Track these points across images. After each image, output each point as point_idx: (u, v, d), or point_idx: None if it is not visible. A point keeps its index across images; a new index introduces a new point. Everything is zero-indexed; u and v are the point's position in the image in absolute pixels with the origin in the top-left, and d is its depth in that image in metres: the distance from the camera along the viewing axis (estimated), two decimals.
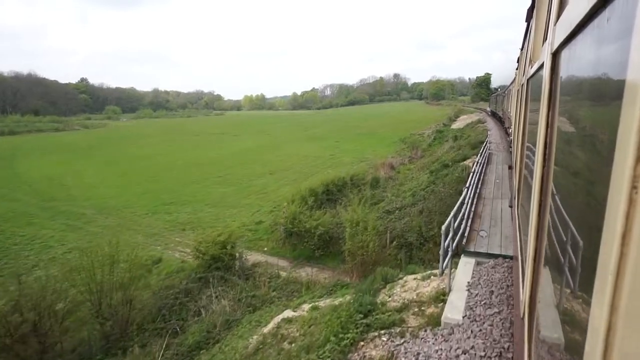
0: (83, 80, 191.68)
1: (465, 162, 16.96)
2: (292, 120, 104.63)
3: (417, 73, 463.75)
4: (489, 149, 16.80)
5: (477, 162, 11.44)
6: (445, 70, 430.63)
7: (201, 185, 25.25)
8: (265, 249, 14.66)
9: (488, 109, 51.32)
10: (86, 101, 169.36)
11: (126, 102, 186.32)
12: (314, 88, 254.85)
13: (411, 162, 32.76)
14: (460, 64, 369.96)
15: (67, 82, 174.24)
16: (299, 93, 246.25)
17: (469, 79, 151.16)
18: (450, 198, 13.66)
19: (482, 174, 11.32)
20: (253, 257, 13.82)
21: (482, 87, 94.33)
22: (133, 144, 51.18)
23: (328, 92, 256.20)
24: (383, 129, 63.29)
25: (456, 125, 48.96)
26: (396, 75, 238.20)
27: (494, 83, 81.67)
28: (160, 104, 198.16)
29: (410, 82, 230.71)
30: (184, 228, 17.02)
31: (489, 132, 27.13)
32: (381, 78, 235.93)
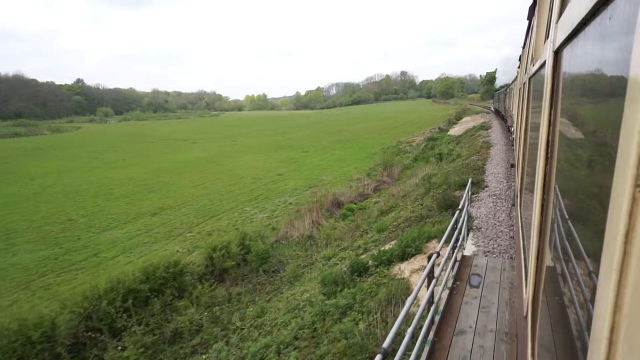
0: (79, 81, 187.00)
1: (401, 266, 6.39)
2: (280, 122, 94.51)
3: (428, 71, 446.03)
4: (467, 224, 6.30)
5: None
6: (457, 67, 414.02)
7: (4, 245, 15.30)
8: None
9: (492, 107, 48.00)
10: (80, 103, 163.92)
11: (123, 103, 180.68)
12: (319, 87, 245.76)
13: (377, 192, 22.20)
14: (473, 61, 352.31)
15: (63, 83, 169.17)
16: (304, 92, 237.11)
17: (480, 75, 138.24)
18: None
19: None
20: None
21: (492, 84, 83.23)
22: (55, 156, 41.84)
23: (334, 91, 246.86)
24: (370, 134, 52.65)
25: (454, 130, 38.05)
26: (403, 73, 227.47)
27: (502, 80, 71.00)
28: (159, 105, 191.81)
29: (418, 80, 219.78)
30: None
31: (490, 151, 16.46)
32: (387, 76, 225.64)
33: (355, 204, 19.00)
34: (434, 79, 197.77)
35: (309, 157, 38.00)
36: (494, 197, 9.21)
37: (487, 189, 10.17)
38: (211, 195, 22.94)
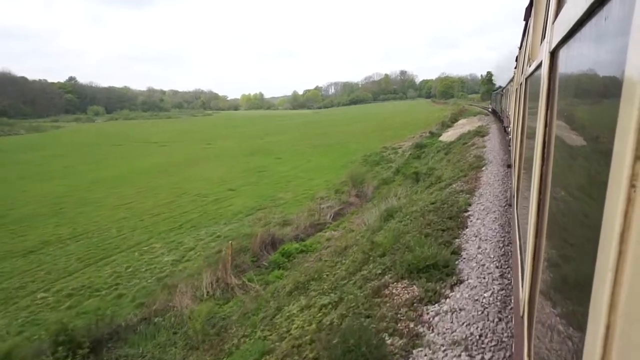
0: (71, 79, 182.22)
1: None
2: (271, 122, 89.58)
3: (429, 71, 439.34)
4: None
5: None
6: (458, 68, 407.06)
7: None
8: None
9: (489, 107, 47.85)
10: (71, 101, 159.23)
11: (116, 101, 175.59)
12: (317, 86, 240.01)
13: (340, 218, 17.17)
14: (474, 62, 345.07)
15: (55, 81, 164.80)
16: (302, 92, 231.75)
17: (481, 75, 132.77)
18: None
19: None
20: None
21: (492, 84, 78.43)
22: None
23: (332, 90, 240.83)
24: (358, 137, 47.68)
25: (447, 135, 33.02)
26: (403, 73, 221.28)
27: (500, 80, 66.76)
28: (153, 103, 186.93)
29: (418, 80, 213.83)
30: None
31: (481, 176, 11.45)
32: (386, 75, 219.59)
33: (300, 241, 14.00)
34: (434, 78, 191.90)
35: (280, 164, 33.06)
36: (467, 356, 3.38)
37: (460, 289, 4.38)
38: (129, 220, 17.97)
